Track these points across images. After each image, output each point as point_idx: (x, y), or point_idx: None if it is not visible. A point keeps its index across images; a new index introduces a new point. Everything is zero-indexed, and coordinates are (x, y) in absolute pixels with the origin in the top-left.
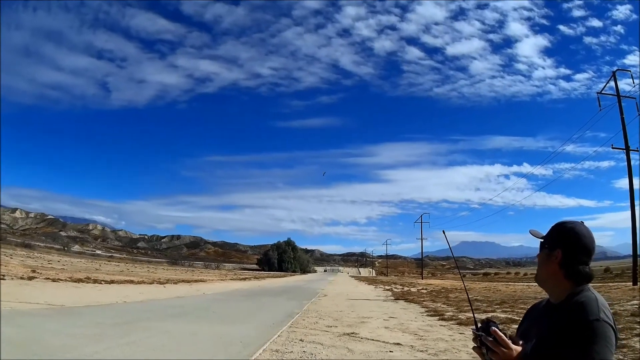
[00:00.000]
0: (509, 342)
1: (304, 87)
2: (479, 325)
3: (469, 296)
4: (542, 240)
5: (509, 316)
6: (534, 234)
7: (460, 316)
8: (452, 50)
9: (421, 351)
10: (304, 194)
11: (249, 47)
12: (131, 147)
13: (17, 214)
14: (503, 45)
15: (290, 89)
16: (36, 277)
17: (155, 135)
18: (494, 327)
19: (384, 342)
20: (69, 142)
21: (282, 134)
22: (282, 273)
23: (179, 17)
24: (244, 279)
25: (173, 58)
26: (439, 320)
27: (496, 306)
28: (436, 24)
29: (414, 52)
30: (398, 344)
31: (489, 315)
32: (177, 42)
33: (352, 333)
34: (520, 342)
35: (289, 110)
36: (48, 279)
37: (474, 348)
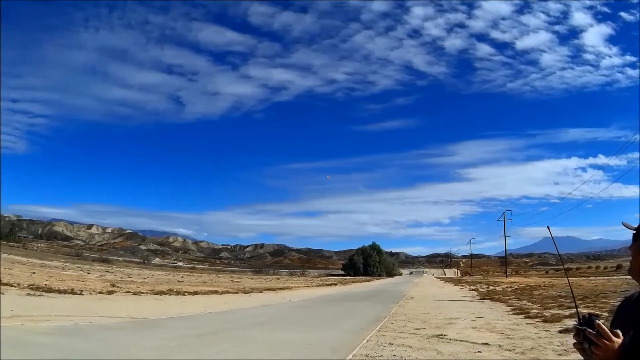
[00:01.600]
0: (611, 334)
1: (379, 90)
2: (581, 320)
3: (573, 293)
4: (635, 231)
5: (592, 311)
6: (626, 226)
7: (545, 313)
8: (521, 44)
9: (509, 350)
10: (386, 196)
11: (321, 54)
12: (209, 159)
13: (93, 230)
14: (569, 36)
15: (366, 92)
16: (116, 291)
17: (233, 145)
18: (597, 321)
19: (471, 342)
20: (144, 157)
21: (361, 138)
22: (368, 277)
23: (247, 28)
24: (330, 284)
25: (245, 69)
26: (524, 318)
27: (579, 301)
28: (503, 18)
29: (484, 49)
30: (486, 343)
31: (573, 311)
32: (248, 52)
33: (441, 335)
34: (620, 334)
35: (366, 114)
36: (129, 292)
37: (574, 344)
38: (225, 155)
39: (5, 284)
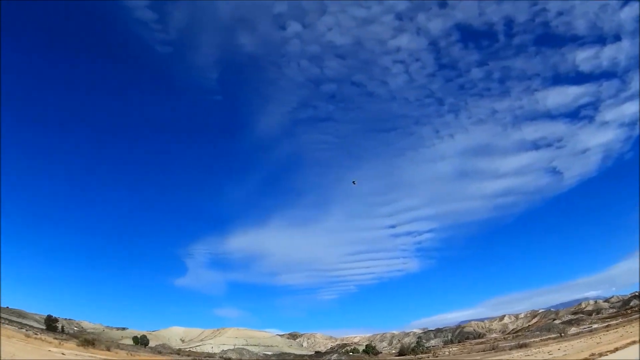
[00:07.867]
0: None
1: None
2: None
3: None
4: None
5: None
6: None
7: None
8: None
9: None
10: None
11: None
12: (597, 216)
13: (506, 320)
14: None
15: None
16: None
17: (612, 195)
18: None
19: None
20: (539, 237)
21: None
22: None
23: (582, 77)
24: None
25: (600, 116)
26: None
27: None
28: None
29: None
30: None
31: None
32: (595, 100)
33: None
34: None
35: None
36: None
37: None
38: (613, 206)
39: None
